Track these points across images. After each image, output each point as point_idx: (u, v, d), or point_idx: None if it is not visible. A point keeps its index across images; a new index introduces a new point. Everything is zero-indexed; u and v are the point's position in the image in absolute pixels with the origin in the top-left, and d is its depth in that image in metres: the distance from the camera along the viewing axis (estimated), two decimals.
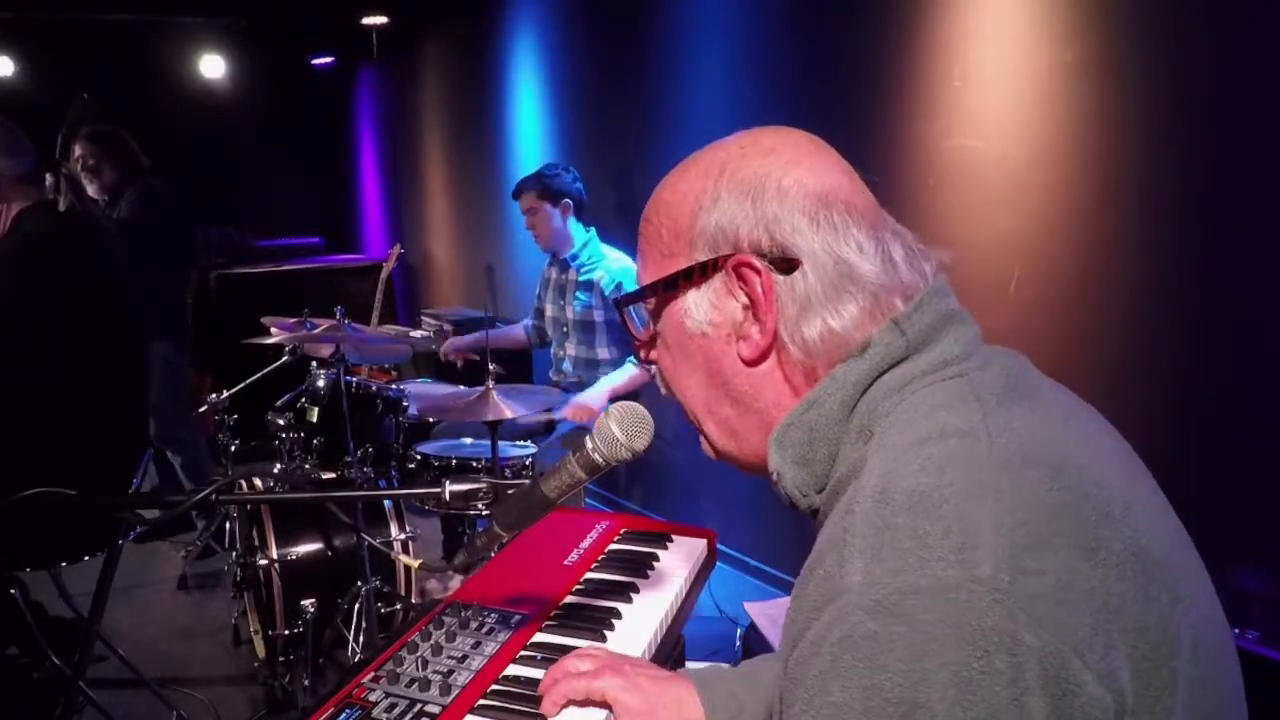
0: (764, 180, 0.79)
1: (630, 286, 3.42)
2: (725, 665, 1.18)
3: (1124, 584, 0.62)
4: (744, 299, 0.80)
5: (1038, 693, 0.57)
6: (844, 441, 0.76)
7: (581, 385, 3.57)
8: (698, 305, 0.82)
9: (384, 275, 5.22)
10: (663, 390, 0.93)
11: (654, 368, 0.92)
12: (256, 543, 2.76)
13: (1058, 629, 0.58)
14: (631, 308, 0.90)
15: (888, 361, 0.76)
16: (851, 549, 0.63)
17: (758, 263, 0.78)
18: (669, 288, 0.84)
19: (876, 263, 0.77)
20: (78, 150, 3.86)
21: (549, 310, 3.68)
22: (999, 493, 0.63)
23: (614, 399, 3.35)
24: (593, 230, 3.57)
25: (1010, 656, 0.57)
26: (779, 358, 0.80)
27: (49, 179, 2.34)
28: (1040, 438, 0.69)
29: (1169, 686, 0.62)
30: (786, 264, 0.77)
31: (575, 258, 3.53)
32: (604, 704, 1.10)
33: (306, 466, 3.11)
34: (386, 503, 2.96)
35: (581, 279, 3.51)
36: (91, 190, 3.90)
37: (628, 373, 3.39)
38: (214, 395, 3.25)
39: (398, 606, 2.89)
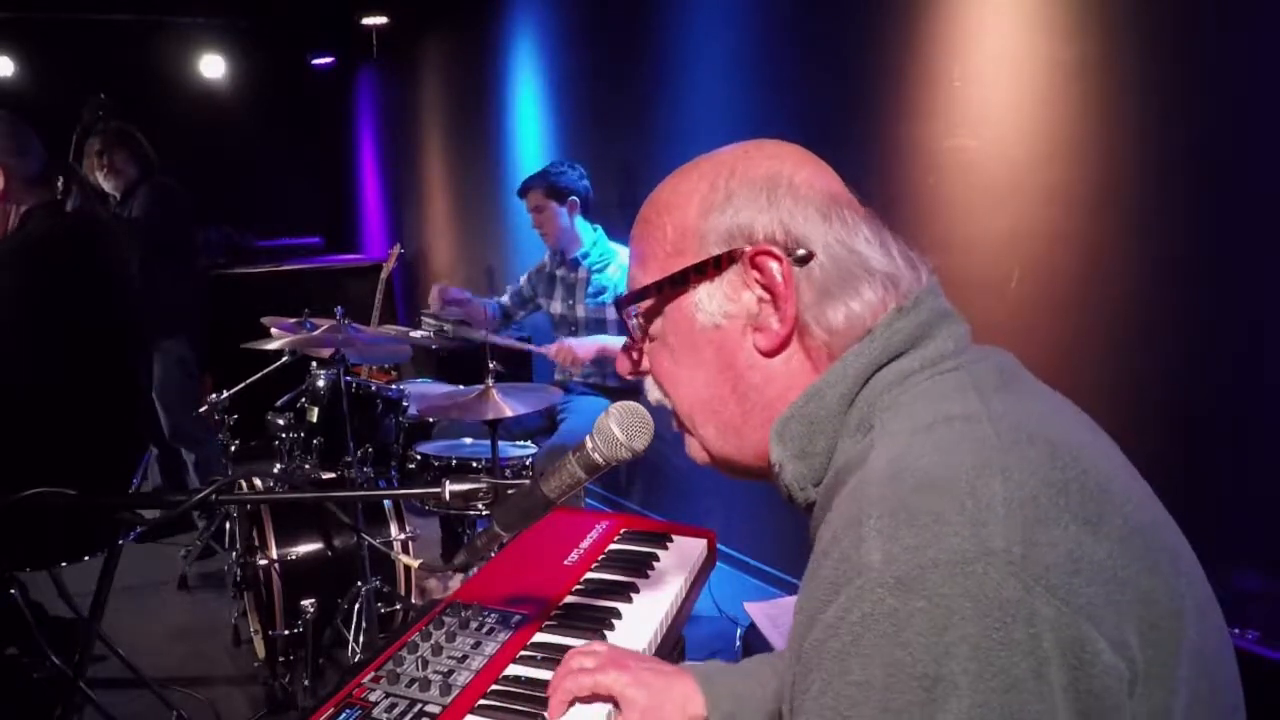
0: (776, 178, 0.82)
1: None
2: (724, 663, 1.18)
3: (1128, 556, 0.63)
4: (759, 291, 0.81)
5: (1056, 662, 0.58)
6: (843, 434, 0.78)
7: (588, 384, 3.56)
8: (710, 298, 0.83)
9: (384, 275, 5.22)
10: (652, 396, 0.94)
11: (647, 380, 0.93)
12: (256, 543, 2.76)
13: (1071, 599, 0.59)
14: (625, 314, 0.91)
15: (886, 356, 0.78)
16: (868, 529, 0.64)
17: (777, 251, 0.80)
18: (677, 284, 0.85)
19: (882, 255, 0.81)
20: (98, 145, 3.85)
21: (556, 308, 3.66)
22: (1006, 470, 0.64)
23: (602, 355, 3.35)
24: (599, 228, 3.57)
25: (1028, 627, 0.58)
26: (801, 344, 0.82)
27: (60, 180, 2.34)
28: (1037, 421, 0.71)
29: (1175, 656, 0.63)
30: (802, 256, 0.80)
31: (586, 256, 3.52)
32: (609, 698, 1.10)
33: (306, 466, 3.11)
34: (386, 503, 2.96)
35: (594, 277, 3.50)
36: (108, 186, 3.91)
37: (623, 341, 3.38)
38: (214, 395, 3.25)
39: (398, 606, 2.89)
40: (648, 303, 0.88)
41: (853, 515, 0.66)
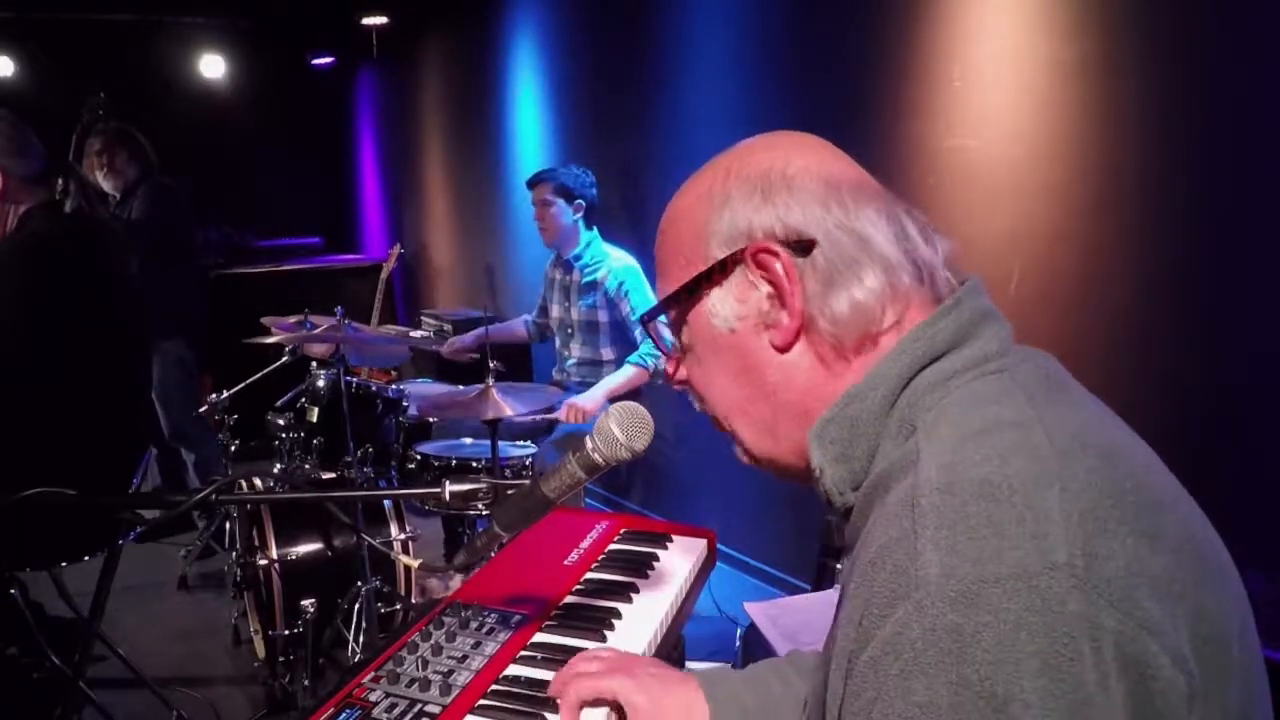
0: (769, 173, 0.81)
1: (634, 285, 3.44)
2: (729, 667, 1.17)
3: (1183, 570, 0.62)
4: (766, 288, 0.81)
5: (1117, 675, 0.57)
6: (884, 437, 0.76)
7: (585, 385, 3.58)
8: (722, 302, 0.83)
9: (384, 275, 5.22)
10: (698, 407, 0.93)
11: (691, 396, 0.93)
12: (256, 543, 2.76)
13: (1133, 611, 0.58)
14: (658, 332, 0.91)
15: (929, 356, 0.76)
16: (924, 541, 0.62)
17: (775, 246, 0.79)
18: (691, 293, 0.85)
19: (890, 235, 0.80)
20: (98, 145, 3.85)
21: (555, 310, 3.69)
22: (1063, 480, 0.63)
23: (612, 400, 3.36)
24: (595, 231, 3.58)
25: (1092, 641, 0.57)
26: (809, 338, 0.81)
27: (60, 180, 2.33)
28: (1088, 429, 0.69)
29: (1227, 671, 0.63)
30: (802, 246, 0.79)
31: (579, 259, 3.54)
32: (613, 703, 1.09)
33: (306, 466, 3.12)
34: (386, 503, 2.96)
35: (585, 280, 3.52)
36: (108, 186, 3.92)
37: (626, 374, 3.41)
38: (214, 395, 3.25)
39: (398, 606, 2.89)
40: (671, 314, 0.89)
41: (906, 526, 0.65)
